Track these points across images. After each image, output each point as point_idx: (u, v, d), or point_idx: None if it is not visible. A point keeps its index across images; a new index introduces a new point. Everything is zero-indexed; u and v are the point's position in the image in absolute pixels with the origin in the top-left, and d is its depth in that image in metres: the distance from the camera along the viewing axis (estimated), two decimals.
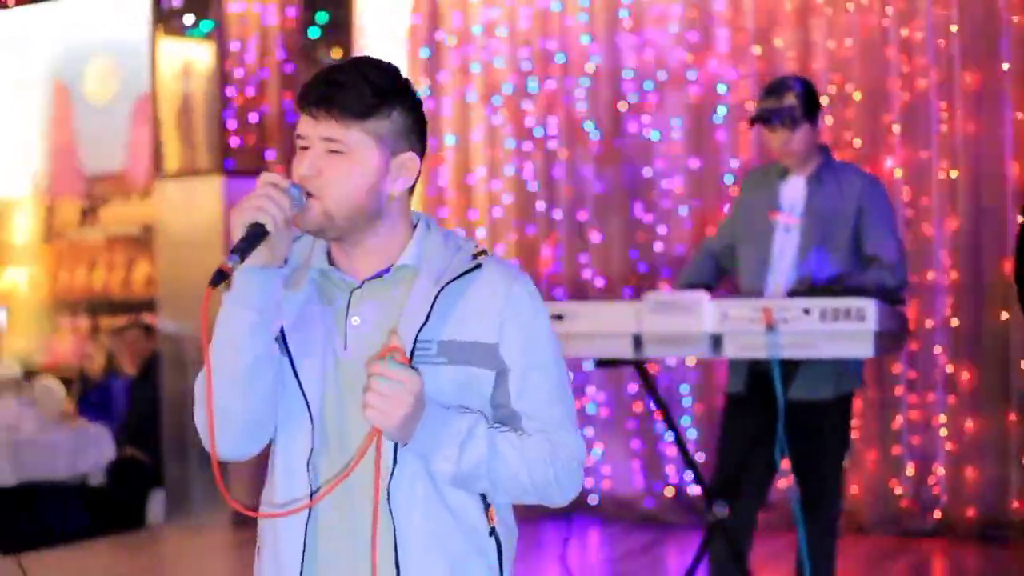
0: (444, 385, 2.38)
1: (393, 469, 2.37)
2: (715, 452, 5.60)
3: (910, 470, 7.74)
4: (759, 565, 6.67)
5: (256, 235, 2.27)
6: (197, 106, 8.83)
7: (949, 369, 7.66)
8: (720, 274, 5.55)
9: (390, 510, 2.37)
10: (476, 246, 2.51)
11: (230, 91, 8.86)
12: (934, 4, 7.68)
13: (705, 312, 4.83)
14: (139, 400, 9.31)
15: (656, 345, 4.97)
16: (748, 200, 5.45)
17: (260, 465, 8.02)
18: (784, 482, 6.65)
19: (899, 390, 7.76)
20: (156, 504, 8.89)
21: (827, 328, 4.72)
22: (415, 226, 2.50)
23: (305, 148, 2.40)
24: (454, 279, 2.41)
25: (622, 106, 8.60)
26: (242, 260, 2.26)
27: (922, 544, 7.58)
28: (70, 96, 10.78)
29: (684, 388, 8.34)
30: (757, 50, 8.15)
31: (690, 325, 4.86)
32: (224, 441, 2.40)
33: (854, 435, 7.82)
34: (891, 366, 7.74)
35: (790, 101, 5.18)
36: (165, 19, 8.95)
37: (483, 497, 2.45)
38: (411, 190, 2.49)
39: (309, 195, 2.36)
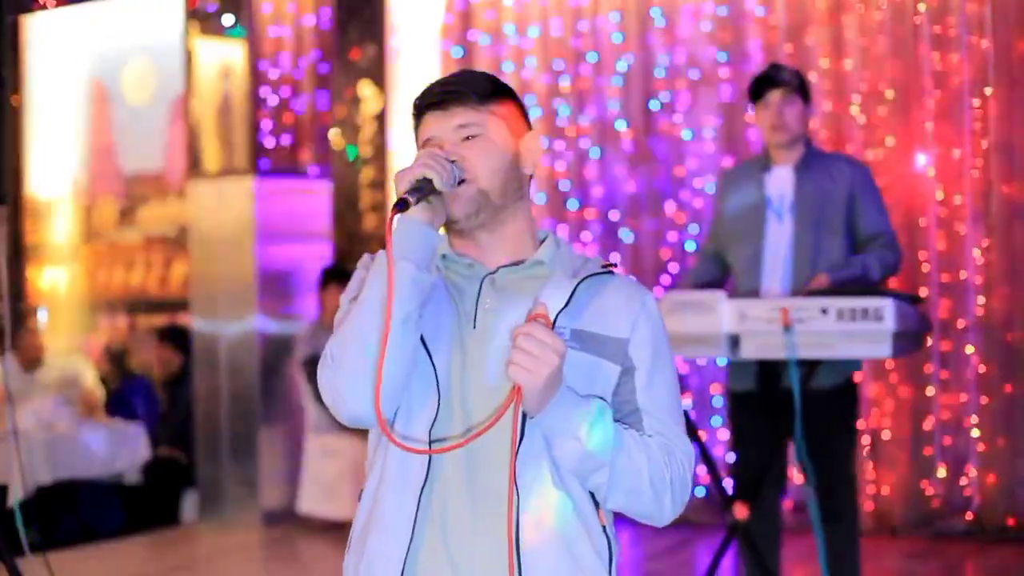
0: (573, 371, 2.40)
1: (520, 444, 2.38)
2: (735, 452, 5.55)
3: (942, 471, 7.68)
4: (789, 566, 6.64)
5: (424, 187, 2.37)
6: (232, 107, 8.87)
7: (981, 369, 7.59)
8: (724, 273, 5.54)
9: (515, 482, 2.38)
10: (604, 262, 2.59)
11: (264, 91, 8.90)
12: (967, 1, 7.61)
13: (723, 312, 4.81)
14: (173, 400, 9.37)
15: (674, 345, 4.93)
16: (732, 198, 5.42)
17: (292, 468, 8.02)
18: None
19: (931, 390, 7.69)
20: (189, 502, 8.96)
21: (844, 328, 4.71)
22: (543, 241, 2.60)
23: (435, 147, 2.49)
24: (591, 276, 2.50)
25: (654, 105, 8.57)
26: (416, 201, 2.36)
27: (954, 546, 7.51)
28: (109, 97, 10.85)
29: (715, 388, 8.31)
30: (789, 48, 8.10)
31: (708, 325, 4.85)
32: (363, 398, 2.37)
33: (885, 436, 7.80)
34: (923, 366, 7.68)
35: (788, 76, 5.22)
36: (201, 20, 9.00)
37: (593, 498, 2.47)
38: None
39: (461, 181, 2.45)
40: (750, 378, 5.27)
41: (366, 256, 2.57)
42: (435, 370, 2.44)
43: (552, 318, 2.41)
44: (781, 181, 5.27)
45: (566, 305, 2.43)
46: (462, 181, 2.44)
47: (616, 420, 2.45)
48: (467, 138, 2.48)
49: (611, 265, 2.57)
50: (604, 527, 2.48)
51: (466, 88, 2.50)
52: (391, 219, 2.33)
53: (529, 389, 2.32)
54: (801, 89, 5.24)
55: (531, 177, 2.60)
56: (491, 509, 2.40)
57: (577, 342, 2.43)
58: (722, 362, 8.08)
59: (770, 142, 5.28)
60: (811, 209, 5.19)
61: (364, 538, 2.48)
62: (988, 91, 7.58)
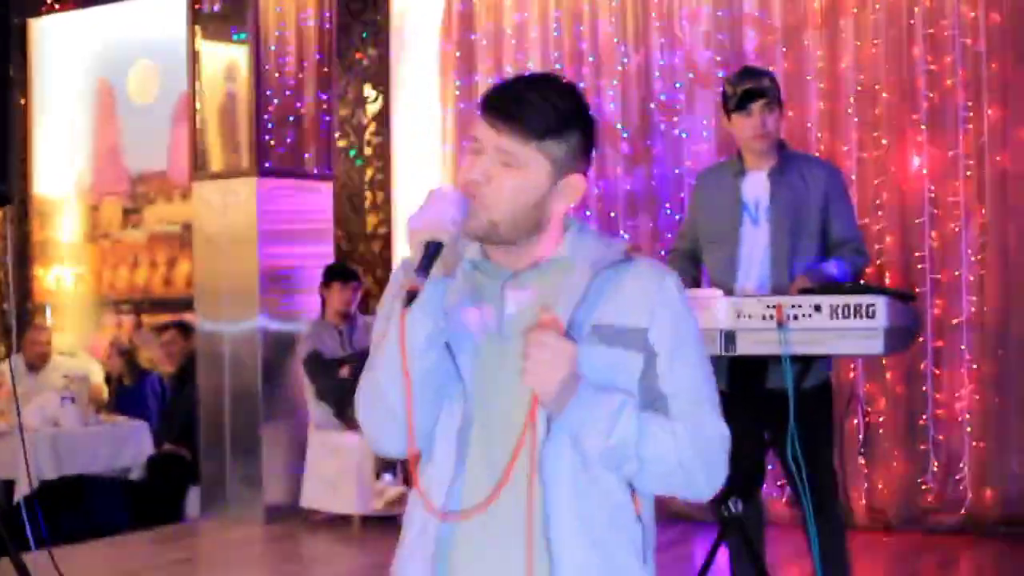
0: (595, 365, 2.43)
1: (546, 439, 2.42)
2: None
3: (936, 467, 7.77)
4: (781, 563, 6.72)
5: (436, 252, 2.37)
6: (236, 107, 8.94)
7: (975, 367, 7.68)
8: (699, 273, 5.62)
9: (541, 480, 2.42)
10: (626, 246, 2.58)
11: (268, 92, 8.98)
12: (961, 2, 7.70)
13: (718, 309, 4.86)
14: (177, 397, 9.46)
15: None
16: (706, 201, 5.49)
17: (295, 464, 8.07)
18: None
19: (925, 387, 7.78)
20: (193, 498, 9.04)
21: (837, 325, 4.76)
22: (567, 228, 2.58)
23: (477, 152, 2.46)
24: (608, 267, 2.49)
25: (652, 106, 8.66)
26: (427, 277, 2.36)
27: (948, 541, 7.59)
28: (114, 97, 10.95)
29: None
30: (785, 50, 8.19)
31: (703, 322, 4.86)
32: (394, 443, 2.50)
33: (880, 432, 7.88)
34: (918, 363, 7.76)
35: (767, 83, 5.27)
36: (205, 21, 9.07)
37: (629, 485, 2.49)
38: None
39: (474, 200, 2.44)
40: (721, 377, 5.33)
41: (404, 261, 2.56)
42: (462, 377, 2.48)
43: (569, 314, 2.43)
44: (756, 186, 5.33)
45: (582, 301, 2.44)
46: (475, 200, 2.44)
47: (645, 407, 2.46)
48: (504, 163, 2.43)
49: (633, 249, 2.56)
50: (639, 515, 2.50)
51: (527, 118, 2.42)
52: (402, 316, 2.38)
53: (544, 394, 2.36)
54: (778, 94, 5.33)
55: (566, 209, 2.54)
56: (518, 508, 2.43)
57: (597, 336, 2.44)
58: None
59: (751, 148, 5.35)
60: (786, 214, 5.26)
61: (406, 537, 2.57)
62: (981, 91, 7.66)
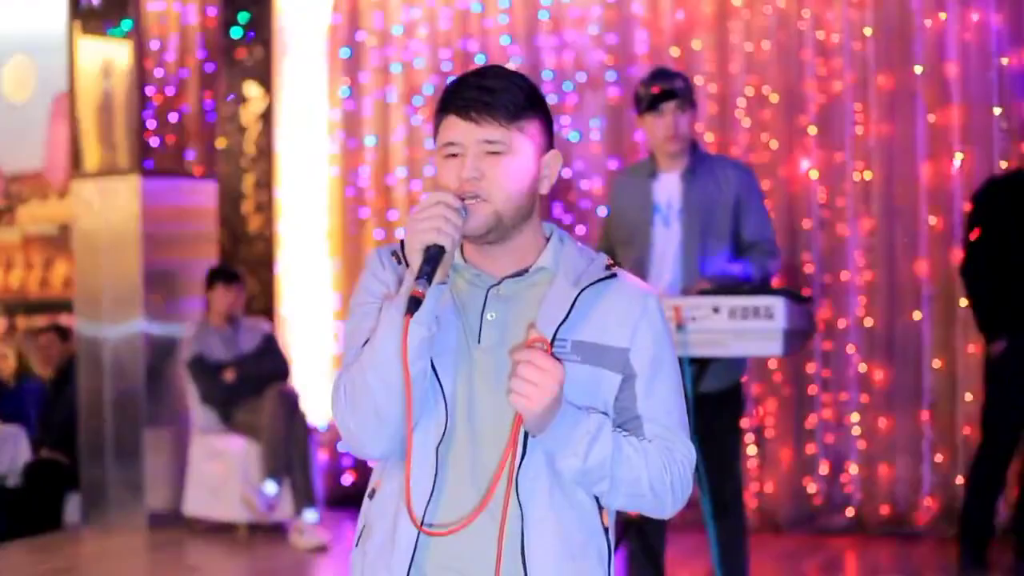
0: (574, 383, 2.41)
1: (522, 458, 2.42)
2: None
3: (824, 468, 7.84)
4: (677, 563, 6.72)
5: (437, 256, 2.34)
6: (116, 105, 8.76)
7: (862, 368, 7.76)
8: None
9: (518, 498, 2.42)
10: (607, 260, 2.58)
11: (149, 90, 8.81)
12: (849, 7, 7.78)
13: None
14: (55, 402, 9.24)
15: None
16: (620, 202, 5.48)
17: (178, 470, 7.92)
18: None
19: (813, 389, 7.85)
20: (72, 506, 8.83)
21: (736, 326, 4.78)
22: (548, 237, 2.59)
23: (453, 156, 2.46)
24: (593, 283, 2.49)
25: None
26: (430, 283, 2.33)
27: (835, 541, 7.67)
28: None
29: None
30: (675, 52, 8.20)
31: None
32: (375, 444, 2.47)
33: (768, 434, 7.94)
34: (805, 365, 7.82)
35: (680, 84, 5.27)
36: (84, 17, 8.88)
37: (596, 500, 2.51)
38: None
39: (474, 198, 2.43)
40: None
41: (372, 255, 2.58)
42: (443, 389, 2.46)
43: (552, 331, 2.42)
44: (669, 188, 5.33)
45: (566, 318, 2.43)
46: (475, 197, 2.43)
47: (617, 426, 2.48)
48: (490, 153, 2.45)
49: (614, 266, 2.57)
50: (606, 529, 2.53)
51: (500, 102, 2.44)
52: (407, 325, 2.33)
53: (529, 415, 2.34)
54: (691, 96, 5.32)
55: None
56: (494, 523, 2.43)
57: (578, 354, 2.44)
58: None
59: (663, 150, 5.33)
60: (698, 216, 5.26)
61: (369, 540, 2.52)
62: (869, 95, 7.75)
